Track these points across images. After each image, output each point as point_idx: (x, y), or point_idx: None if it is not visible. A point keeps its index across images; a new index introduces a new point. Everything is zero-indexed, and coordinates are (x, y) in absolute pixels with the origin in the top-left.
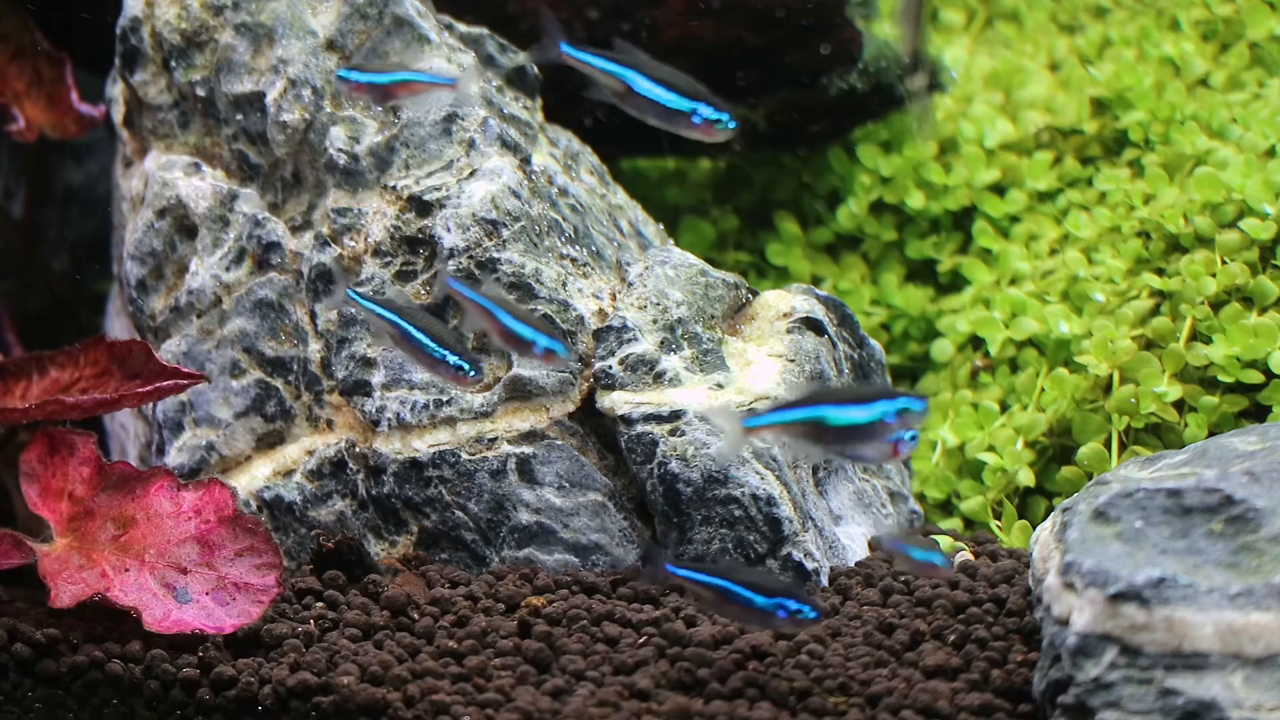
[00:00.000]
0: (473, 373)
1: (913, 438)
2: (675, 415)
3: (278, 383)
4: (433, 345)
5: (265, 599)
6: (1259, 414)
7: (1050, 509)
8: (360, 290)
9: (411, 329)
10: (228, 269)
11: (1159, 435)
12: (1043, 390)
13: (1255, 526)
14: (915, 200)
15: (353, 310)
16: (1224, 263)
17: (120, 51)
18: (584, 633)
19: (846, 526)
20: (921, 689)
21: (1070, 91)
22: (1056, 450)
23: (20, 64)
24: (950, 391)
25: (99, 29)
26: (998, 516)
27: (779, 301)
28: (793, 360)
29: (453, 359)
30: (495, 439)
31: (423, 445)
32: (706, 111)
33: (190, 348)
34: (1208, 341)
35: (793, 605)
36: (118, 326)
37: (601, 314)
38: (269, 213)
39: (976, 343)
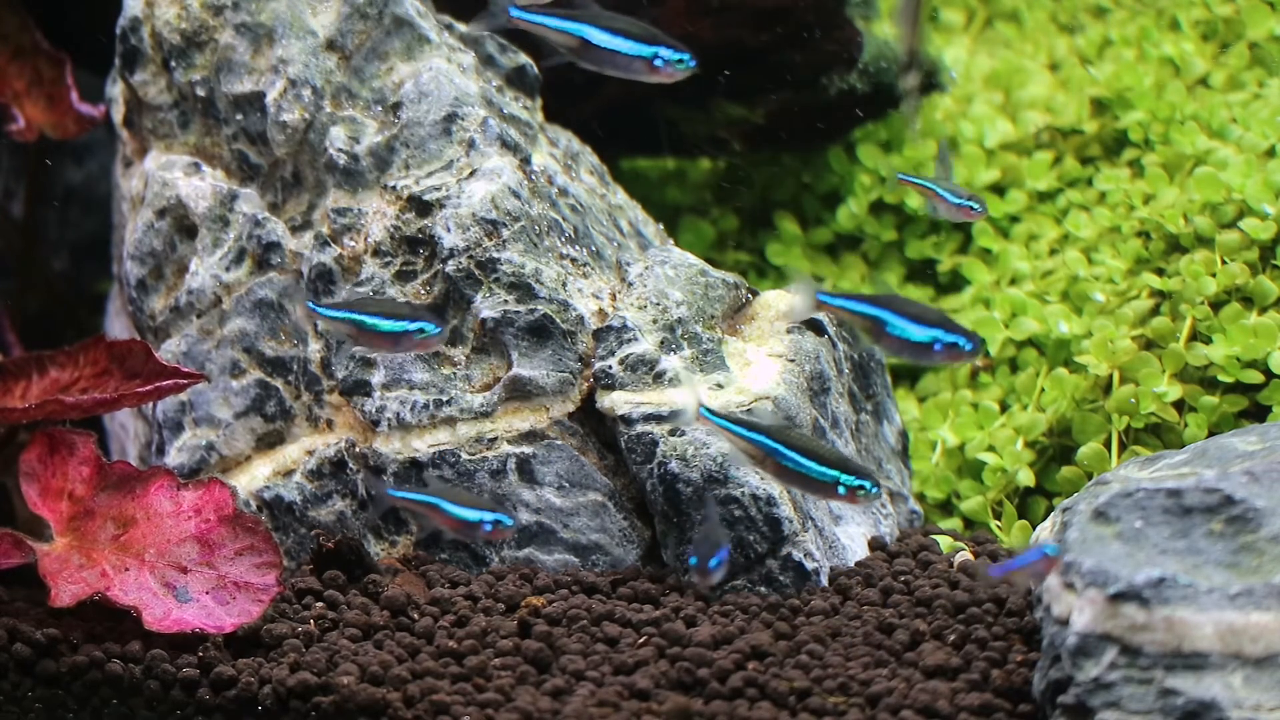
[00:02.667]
0: (436, 329)
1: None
2: (675, 415)
3: (278, 383)
4: (387, 323)
5: (265, 598)
6: (1259, 414)
7: (1050, 509)
8: (321, 302)
9: (364, 317)
10: (228, 269)
11: (1159, 435)
12: (1043, 390)
13: (1255, 526)
14: (915, 200)
15: (319, 323)
16: (1224, 263)
17: (120, 51)
18: (584, 633)
19: (846, 526)
20: (921, 689)
21: (1070, 91)
22: (1056, 450)
23: (20, 64)
24: (950, 391)
25: (99, 29)
26: (998, 516)
27: (779, 301)
28: (793, 360)
29: (410, 325)
30: (495, 439)
31: (423, 445)
32: (667, 54)
33: (190, 348)
34: (1208, 341)
35: None
36: (118, 326)
37: (601, 314)
38: (269, 213)
39: None
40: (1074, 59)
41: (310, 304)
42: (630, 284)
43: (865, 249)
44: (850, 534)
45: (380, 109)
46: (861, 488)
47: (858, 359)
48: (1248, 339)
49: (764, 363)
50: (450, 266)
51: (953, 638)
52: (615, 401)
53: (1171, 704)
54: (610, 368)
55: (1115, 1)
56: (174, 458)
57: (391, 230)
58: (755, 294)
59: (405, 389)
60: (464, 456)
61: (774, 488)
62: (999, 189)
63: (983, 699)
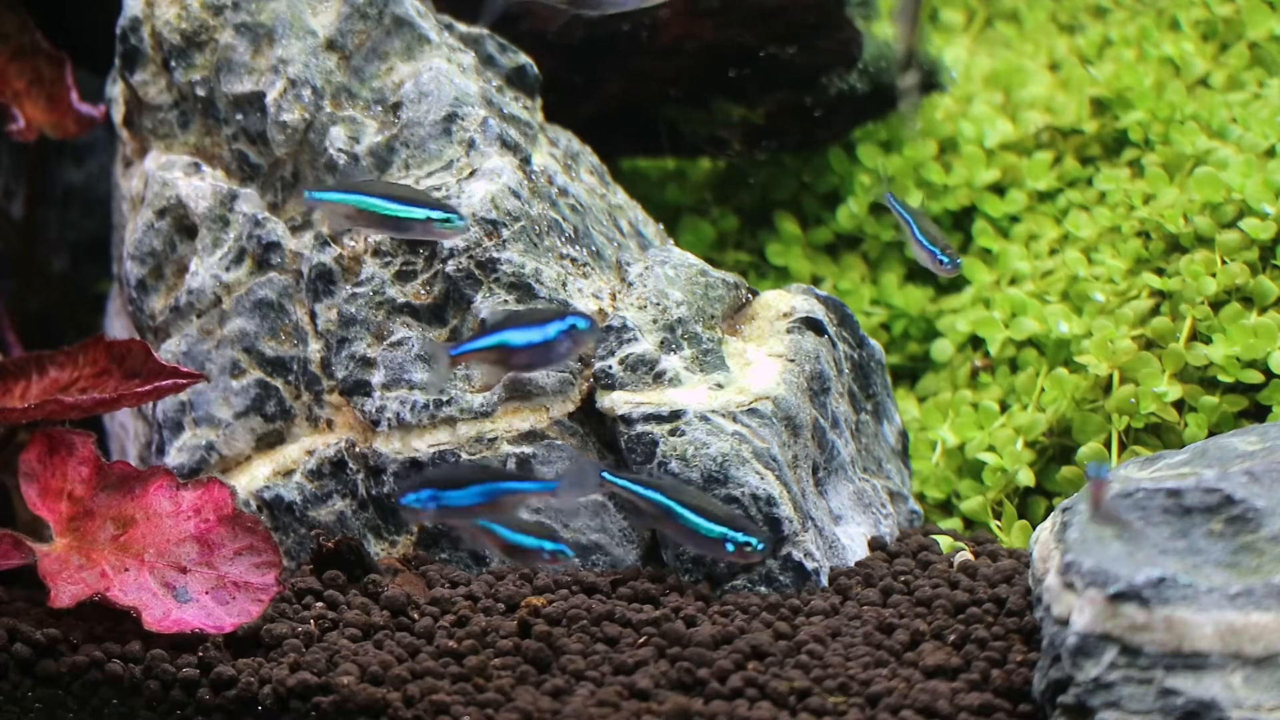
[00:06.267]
0: (458, 221)
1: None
2: (675, 415)
3: (278, 383)
4: (397, 207)
5: (265, 597)
6: (1259, 414)
7: (1050, 509)
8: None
9: (375, 199)
10: (228, 269)
11: (1159, 435)
12: (1043, 390)
13: (1255, 526)
14: (915, 200)
15: (314, 208)
16: (1224, 263)
17: (120, 51)
18: (584, 633)
19: (846, 526)
20: (921, 689)
21: (1070, 91)
22: (1056, 450)
23: (20, 64)
24: (950, 391)
25: (99, 29)
26: (998, 516)
27: (779, 301)
28: (793, 360)
29: (419, 211)
30: (495, 439)
31: (423, 445)
32: None
33: (190, 347)
34: (1208, 341)
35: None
36: (118, 326)
37: (601, 314)
38: (269, 212)
39: (976, 343)
40: (1074, 59)
41: (308, 192)
42: (630, 284)
43: (865, 249)
44: (850, 534)
45: (380, 109)
46: (749, 544)
47: (858, 359)
48: (1248, 339)
49: (764, 362)
50: (450, 266)
51: (953, 638)
52: (615, 401)
53: (1171, 704)
54: (610, 368)
55: (1115, 1)
56: (174, 458)
57: None
58: (755, 294)
59: (405, 389)
60: (464, 456)
61: (774, 487)
62: (999, 189)
63: (983, 699)
